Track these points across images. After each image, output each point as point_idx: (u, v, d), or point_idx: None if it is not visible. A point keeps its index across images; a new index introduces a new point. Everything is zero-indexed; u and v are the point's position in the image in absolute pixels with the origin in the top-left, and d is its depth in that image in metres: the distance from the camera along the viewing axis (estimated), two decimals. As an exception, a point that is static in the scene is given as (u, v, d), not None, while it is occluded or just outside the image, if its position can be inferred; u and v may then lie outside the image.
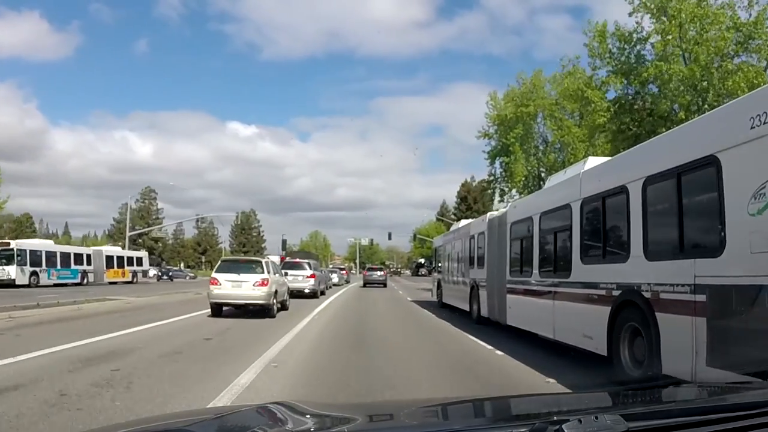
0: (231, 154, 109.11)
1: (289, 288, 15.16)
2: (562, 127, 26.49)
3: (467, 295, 13.43)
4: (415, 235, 56.33)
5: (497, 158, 29.01)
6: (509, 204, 10.08)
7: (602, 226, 6.19)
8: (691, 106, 17.28)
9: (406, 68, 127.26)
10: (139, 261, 37.92)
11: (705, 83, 16.94)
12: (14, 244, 27.29)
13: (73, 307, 13.45)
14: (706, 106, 16.25)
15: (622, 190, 5.59)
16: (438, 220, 68.13)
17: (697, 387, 2.34)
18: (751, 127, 3.78)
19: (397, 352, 7.93)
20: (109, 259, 34.15)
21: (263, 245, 68.40)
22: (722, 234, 4.04)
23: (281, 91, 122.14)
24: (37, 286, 26.13)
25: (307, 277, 19.89)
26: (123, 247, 39.24)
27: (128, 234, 38.81)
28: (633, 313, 5.21)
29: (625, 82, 19.59)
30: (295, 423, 1.39)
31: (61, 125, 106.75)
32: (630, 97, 19.98)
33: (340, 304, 17.99)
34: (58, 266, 28.94)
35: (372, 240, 72.39)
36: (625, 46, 19.29)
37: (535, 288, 8.15)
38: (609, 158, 6.64)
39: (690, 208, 4.68)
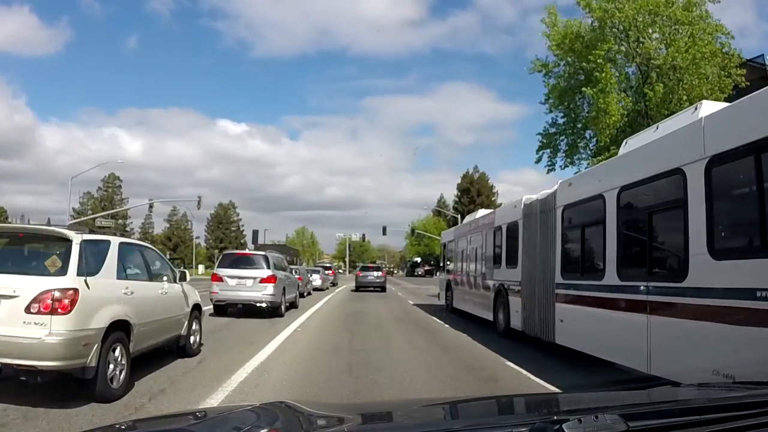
0: (221, 152, 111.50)
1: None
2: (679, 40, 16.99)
3: (489, 301, 11.36)
4: (413, 230, 53.36)
5: (559, 103, 19.98)
6: (559, 183, 7.85)
7: (758, 197, 4.08)
8: None
9: (398, 67, 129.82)
10: None
11: None
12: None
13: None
14: None
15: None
16: (436, 215, 66.26)
17: (697, 387, 2.32)
18: None
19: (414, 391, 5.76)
20: None
21: (242, 241, 65.61)
22: None
23: (272, 89, 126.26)
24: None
25: (261, 281, 12.55)
26: None
27: (69, 224, 36.10)
28: None
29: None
30: (295, 423, 1.50)
31: (50, 122, 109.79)
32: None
33: (318, 334, 10.49)
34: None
35: (364, 235, 66.27)
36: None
37: (611, 296, 6.05)
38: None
39: None
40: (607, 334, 6.13)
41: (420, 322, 13.81)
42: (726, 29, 17.69)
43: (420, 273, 63.19)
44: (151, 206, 40.86)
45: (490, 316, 11.35)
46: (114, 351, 4.92)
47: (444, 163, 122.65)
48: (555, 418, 1.30)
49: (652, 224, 5.47)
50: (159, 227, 71.11)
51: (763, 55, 19.74)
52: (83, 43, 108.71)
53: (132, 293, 5.36)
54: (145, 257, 6.26)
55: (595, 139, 19.98)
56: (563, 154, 21.17)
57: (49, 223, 10.68)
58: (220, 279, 12.47)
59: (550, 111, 20.86)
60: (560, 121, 20.92)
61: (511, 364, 7.41)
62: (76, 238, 4.86)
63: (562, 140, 21.17)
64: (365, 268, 31.77)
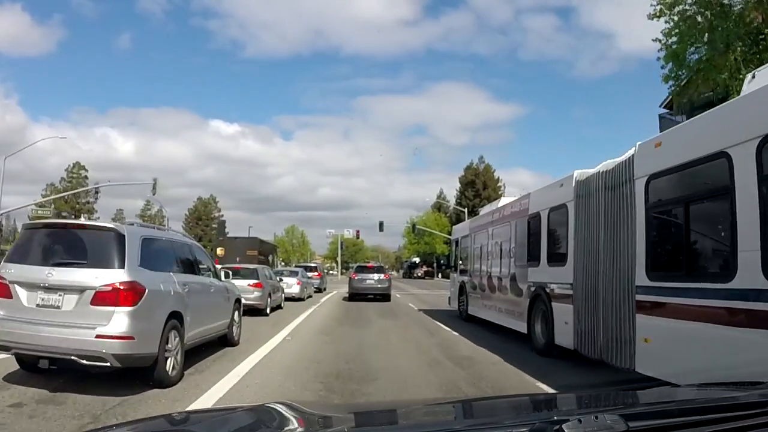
0: (213, 152, 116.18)
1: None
2: None
3: (522, 309, 9.52)
4: (414, 226, 50.93)
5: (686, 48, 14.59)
6: (638, 145, 5.88)
7: None
8: None
9: (391, 67, 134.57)
10: None
11: None
12: None
13: None
14: None
15: None
16: (436, 210, 64.44)
17: (697, 387, 2.41)
18: None
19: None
20: None
21: (221, 239, 63.04)
22: None
23: (264, 89, 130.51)
24: None
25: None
26: None
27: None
28: None
29: None
30: (295, 423, 1.57)
31: (42, 121, 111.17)
32: None
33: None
34: None
35: (358, 232, 62.24)
36: None
37: (751, 306, 4.17)
38: None
39: None
40: (739, 364, 4.25)
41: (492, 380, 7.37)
42: None
43: (419, 275, 61.21)
44: (97, 191, 38.43)
45: (523, 327, 9.50)
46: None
47: (437, 164, 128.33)
48: (555, 418, 1.35)
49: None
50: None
51: None
52: (75, 42, 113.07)
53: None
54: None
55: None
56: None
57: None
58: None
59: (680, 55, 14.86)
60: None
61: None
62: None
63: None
64: (362, 269, 23.35)
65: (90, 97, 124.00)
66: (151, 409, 4.82)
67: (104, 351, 4.89)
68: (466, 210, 46.73)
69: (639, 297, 5.71)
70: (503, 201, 12.99)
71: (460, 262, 15.96)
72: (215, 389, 5.73)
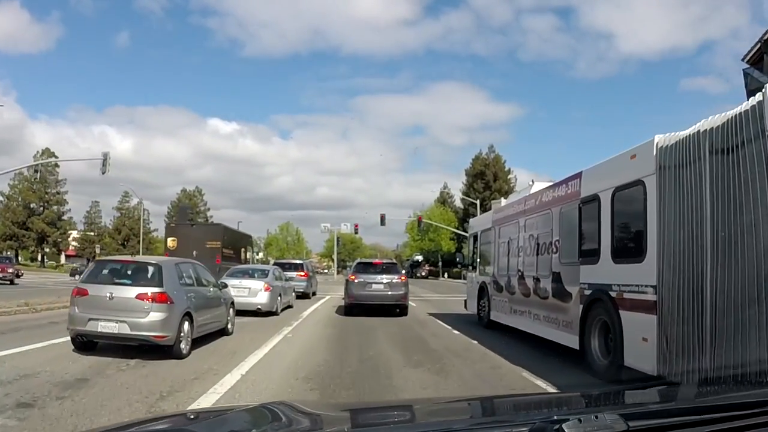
0: (211, 151, 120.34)
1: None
2: None
3: (571, 318, 8.00)
4: (419, 222, 48.68)
5: None
6: None
7: None
8: None
9: (390, 66, 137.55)
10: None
11: None
12: None
13: None
14: None
15: None
16: (440, 204, 62.86)
17: (697, 387, 2.68)
18: None
19: None
20: None
21: None
22: None
23: (263, 88, 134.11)
24: None
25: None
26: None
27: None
28: None
29: None
30: (296, 423, 1.68)
31: (40, 119, 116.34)
32: None
33: None
34: None
35: (357, 226, 56.08)
36: None
37: None
38: None
39: None
40: None
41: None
42: None
43: (422, 274, 59.44)
44: (36, 170, 36.50)
45: (571, 341, 7.94)
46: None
47: (435, 164, 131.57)
48: (555, 418, 1.42)
49: None
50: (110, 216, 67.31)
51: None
52: (74, 40, 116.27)
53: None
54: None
55: None
56: None
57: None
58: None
59: None
60: None
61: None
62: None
63: None
64: (365, 267, 16.58)
65: (88, 95, 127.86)
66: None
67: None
68: (479, 202, 45.03)
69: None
70: (537, 186, 11.41)
71: (480, 259, 14.44)
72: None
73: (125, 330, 7.73)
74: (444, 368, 7.96)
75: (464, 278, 18.94)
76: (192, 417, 1.86)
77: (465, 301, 15.77)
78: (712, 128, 5.22)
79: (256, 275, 15.51)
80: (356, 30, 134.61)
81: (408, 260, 70.85)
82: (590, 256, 7.56)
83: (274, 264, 24.24)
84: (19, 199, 50.01)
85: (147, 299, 7.84)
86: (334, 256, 67.10)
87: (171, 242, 23.63)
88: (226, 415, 1.86)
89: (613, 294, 6.80)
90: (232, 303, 11.35)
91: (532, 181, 11.74)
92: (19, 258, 50.49)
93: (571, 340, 8.00)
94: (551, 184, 9.99)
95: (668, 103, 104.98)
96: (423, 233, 55.40)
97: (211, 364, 7.71)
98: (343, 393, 6.27)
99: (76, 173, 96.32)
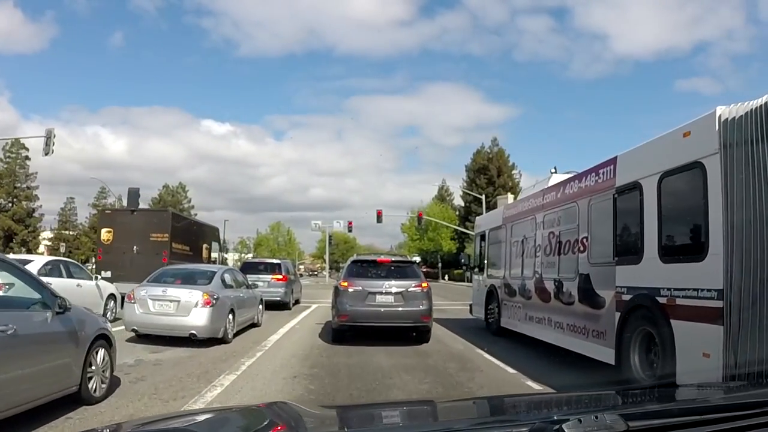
0: (205, 151, 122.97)
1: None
2: None
3: (604, 327, 7.18)
4: (419, 218, 47.18)
5: None
6: None
7: None
8: None
9: (384, 67, 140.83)
10: None
11: None
12: None
13: None
14: None
15: None
16: (439, 201, 61.92)
17: (697, 387, 2.61)
18: None
19: None
20: None
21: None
22: None
23: (257, 88, 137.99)
24: None
25: None
26: None
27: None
28: None
29: None
30: (295, 423, 1.71)
31: (33, 119, 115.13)
32: None
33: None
34: None
35: (351, 224, 51.81)
36: None
37: None
38: None
39: None
40: None
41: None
42: None
43: (420, 276, 58.24)
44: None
45: (606, 355, 7.03)
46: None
47: (429, 164, 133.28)
48: (555, 418, 1.46)
49: None
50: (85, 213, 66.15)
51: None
52: (68, 40, 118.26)
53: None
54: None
55: None
56: None
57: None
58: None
59: None
60: None
61: None
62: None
63: None
64: (365, 268, 11.21)
65: (81, 95, 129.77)
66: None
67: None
68: (484, 197, 44.02)
69: None
70: (556, 178, 10.53)
71: (488, 260, 13.59)
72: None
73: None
74: None
75: (468, 280, 18.01)
76: (192, 417, 1.88)
77: (470, 305, 14.89)
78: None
79: (193, 281, 10.51)
80: (351, 30, 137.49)
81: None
82: (630, 255, 6.65)
83: (244, 264, 20.75)
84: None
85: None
86: (326, 256, 65.09)
87: (106, 234, 18.37)
88: (226, 415, 1.91)
89: (661, 300, 5.87)
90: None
91: (555, 169, 10.87)
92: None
93: (604, 353, 7.09)
94: (575, 174, 9.09)
95: (663, 103, 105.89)
96: (422, 232, 54.32)
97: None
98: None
99: (70, 174, 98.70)
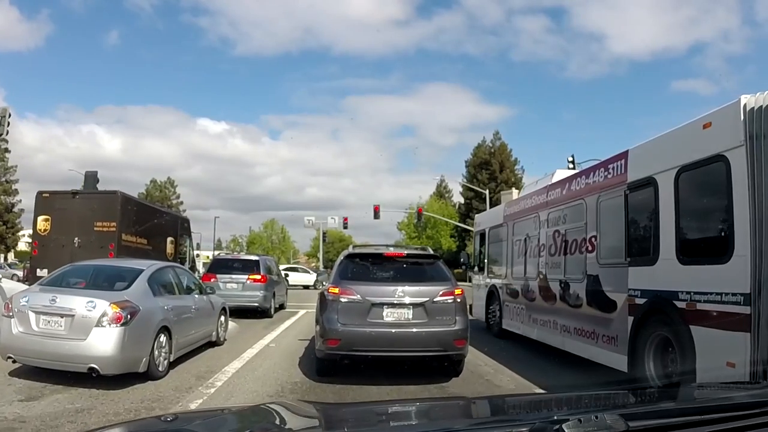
0: (200, 150, 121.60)
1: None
2: None
3: (615, 332, 6.97)
4: (419, 216, 46.14)
5: None
6: None
7: None
8: None
9: (381, 67, 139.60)
10: None
11: None
12: None
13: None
14: None
15: None
16: (438, 198, 61.50)
17: (697, 387, 2.63)
18: None
19: None
20: None
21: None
22: None
23: (253, 88, 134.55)
24: None
25: None
26: None
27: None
28: None
29: None
30: (295, 423, 1.72)
31: (28, 118, 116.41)
32: None
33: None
34: None
35: (346, 220, 47.91)
36: None
37: None
38: None
39: None
40: None
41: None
42: None
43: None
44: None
45: (618, 362, 6.69)
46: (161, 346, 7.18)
47: (425, 165, 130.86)
48: (555, 418, 1.46)
49: None
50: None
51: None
52: (63, 38, 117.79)
53: (173, 306, 8.08)
54: (181, 278, 9.29)
55: None
56: None
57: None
58: None
59: None
60: None
61: None
62: (147, 268, 8.02)
63: None
64: (366, 266, 7.81)
65: (77, 94, 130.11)
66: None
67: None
68: (488, 192, 43.52)
69: None
70: (561, 174, 10.16)
71: (488, 260, 13.30)
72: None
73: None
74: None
75: (469, 280, 17.68)
76: (191, 416, 2.01)
77: (470, 306, 14.55)
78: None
79: (101, 284, 7.37)
80: (347, 30, 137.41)
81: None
82: (644, 255, 6.28)
83: (214, 261, 17.28)
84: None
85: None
86: (320, 255, 63.63)
87: (42, 223, 15.33)
88: (226, 414, 1.91)
89: (680, 304, 5.51)
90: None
91: (573, 157, 10.53)
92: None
93: (615, 360, 6.74)
94: (582, 169, 8.73)
95: (660, 104, 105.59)
96: (421, 230, 53.76)
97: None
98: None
99: (66, 173, 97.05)
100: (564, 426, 1.39)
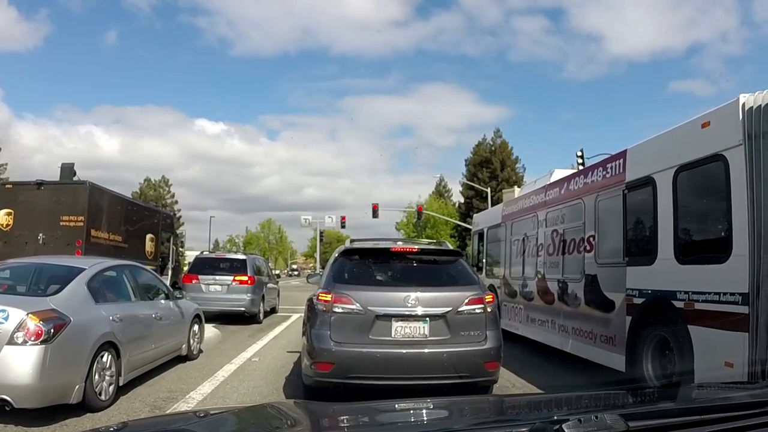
0: (198, 151, 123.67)
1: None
2: None
3: (613, 332, 7.00)
4: (419, 215, 45.78)
5: None
6: None
7: None
8: None
9: (379, 67, 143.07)
10: None
11: None
12: None
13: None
14: None
15: None
16: (438, 197, 61.44)
17: (697, 387, 2.65)
18: None
19: None
20: None
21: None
22: None
23: (251, 88, 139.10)
24: None
25: None
26: None
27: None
28: None
29: None
30: (295, 423, 1.73)
31: (26, 118, 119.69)
32: None
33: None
34: None
35: (344, 219, 45.54)
36: None
37: None
38: None
39: None
40: None
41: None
42: None
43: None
44: None
45: (616, 362, 6.71)
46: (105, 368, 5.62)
47: (423, 165, 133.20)
48: (555, 418, 1.47)
49: None
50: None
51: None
52: (61, 38, 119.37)
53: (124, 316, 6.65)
54: (138, 279, 7.84)
55: None
56: None
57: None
58: None
59: None
60: None
61: None
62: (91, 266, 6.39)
63: None
64: (368, 264, 6.21)
65: (75, 94, 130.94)
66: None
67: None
68: (490, 191, 43.44)
69: None
70: (559, 173, 10.17)
71: (486, 259, 13.33)
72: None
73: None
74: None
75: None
76: (191, 417, 1.96)
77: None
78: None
79: (23, 288, 6.16)
80: (346, 30, 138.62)
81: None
82: (642, 255, 6.29)
83: (195, 261, 15.39)
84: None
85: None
86: (317, 255, 62.57)
87: (5, 217, 14.00)
88: (226, 414, 1.92)
89: (678, 304, 5.52)
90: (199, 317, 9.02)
91: (581, 151, 10.53)
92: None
93: (613, 360, 6.76)
94: (580, 169, 8.73)
95: (658, 104, 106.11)
96: (420, 229, 53.70)
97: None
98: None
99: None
100: (564, 426, 1.39)
